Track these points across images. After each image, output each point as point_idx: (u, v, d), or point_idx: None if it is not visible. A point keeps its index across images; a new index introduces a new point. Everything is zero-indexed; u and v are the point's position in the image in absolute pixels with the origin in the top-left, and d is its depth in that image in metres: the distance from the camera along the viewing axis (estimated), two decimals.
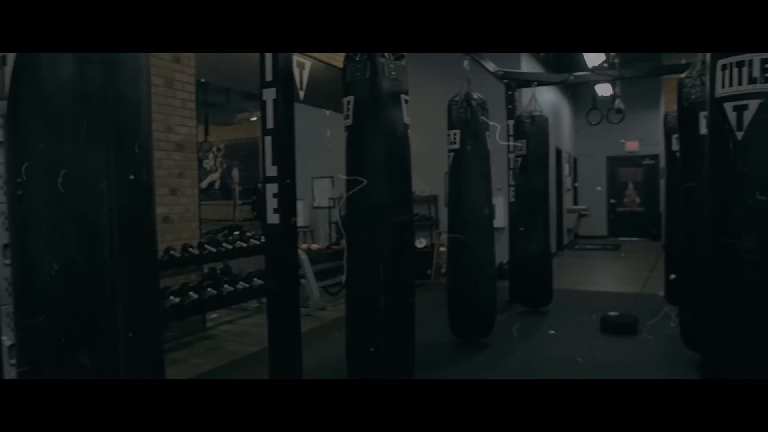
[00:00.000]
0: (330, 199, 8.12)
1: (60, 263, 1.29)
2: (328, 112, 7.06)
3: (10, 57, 1.28)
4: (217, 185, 11.07)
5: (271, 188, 2.15)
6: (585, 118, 7.76)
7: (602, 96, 9.24)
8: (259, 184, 10.75)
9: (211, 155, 10.94)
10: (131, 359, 1.34)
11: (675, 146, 4.71)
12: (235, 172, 11.19)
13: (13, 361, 3.03)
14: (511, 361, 4.18)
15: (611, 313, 4.98)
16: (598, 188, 13.14)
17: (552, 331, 4.95)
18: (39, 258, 1.30)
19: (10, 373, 3.01)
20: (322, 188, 8.47)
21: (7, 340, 3.02)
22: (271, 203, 2.13)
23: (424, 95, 6.20)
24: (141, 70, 1.44)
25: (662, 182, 9.64)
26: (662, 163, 8.90)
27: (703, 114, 3.08)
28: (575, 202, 12.98)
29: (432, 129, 5.80)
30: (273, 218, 2.13)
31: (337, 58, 6.38)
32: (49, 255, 1.30)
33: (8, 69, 1.28)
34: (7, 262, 3.02)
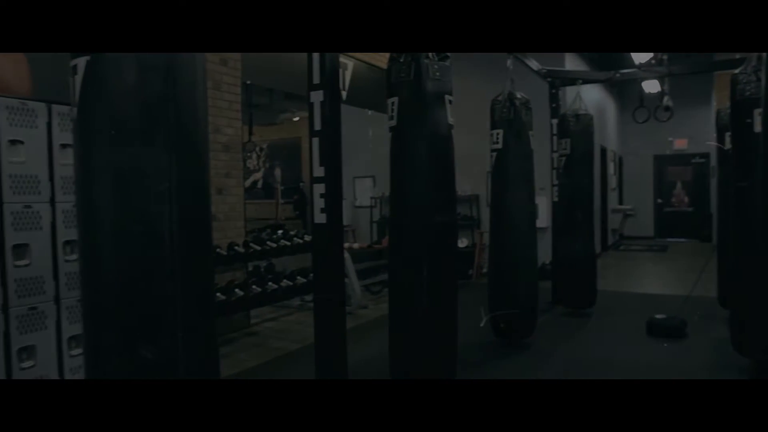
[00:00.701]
0: (371, 198, 8.18)
1: (124, 260, 1.36)
2: (369, 112, 7.12)
3: (81, 66, 1.36)
4: (260, 184, 11.30)
5: (319, 188, 2.20)
6: (631, 116, 7.58)
7: (649, 93, 9.00)
8: (301, 183, 10.94)
9: (254, 155, 11.16)
10: (189, 353, 1.40)
11: (727, 144, 4.57)
12: (278, 172, 11.39)
13: (73, 353, 3.19)
14: (553, 362, 4.14)
15: (658, 316, 4.86)
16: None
17: (594, 333, 4.87)
18: (105, 256, 1.38)
19: (71, 363, 3.17)
20: (363, 187, 8.53)
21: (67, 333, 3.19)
22: (318, 203, 2.18)
23: (465, 93, 6.18)
24: (198, 76, 1.51)
25: (713, 181, 9.33)
26: (713, 161, 8.61)
27: (757, 111, 2.98)
28: (620, 202, 12.68)
29: (473, 128, 5.78)
30: (320, 218, 2.18)
31: (379, 58, 6.43)
32: (114, 252, 1.37)
33: (78, 78, 1.36)
34: (67, 258, 3.18)
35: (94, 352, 1.45)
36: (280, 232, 5.40)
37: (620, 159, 12.78)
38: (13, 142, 2.94)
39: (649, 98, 8.22)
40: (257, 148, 11.28)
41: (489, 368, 3.94)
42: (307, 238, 5.27)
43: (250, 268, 5.19)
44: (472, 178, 7.86)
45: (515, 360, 4.17)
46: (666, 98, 6.71)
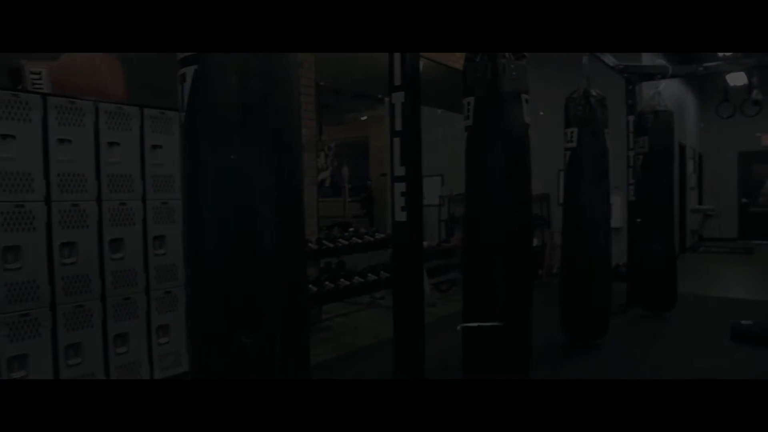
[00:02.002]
0: (440, 197, 8.19)
1: (227, 255, 1.46)
2: (439, 111, 7.13)
3: (189, 74, 1.46)
4: (327, 183, 11.54)
5: (400, 187, 2.25)
6: (713, 111, 7.22)
7: (734, 86, 8.53)
8: (369, 182, 11.08)
9: (323, 154, 11.40)
10: (284, 341, 1.49)
11: None
12: (345, 170, 11.59)
13: (161, 341, 3.39)
14: (626, 364, 4.03)
15: (744, 321, 4.62)
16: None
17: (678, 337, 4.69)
18: (209, 250, 1.48)
19: (159, 351, 3.38)
20: (432, 186, 8.55)
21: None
22: (399, 201, 2.24)
23: (536, 90, 6.08)
24: (293, 80, 1.59)
25: None
26: None
27: None
28: (700, 202, 12.08)
29: (541, 125, 5.69)
30: (401, 216, 2.23)
31: (449, 58, 6.43)
32: (217, 247, 1.47)
33: (187, 85, 1.47)
34: (157, 252, 3.38)
35: (198, 341, 1.56)
36: (351, 229, 5.51)
37: (700, 156, 12.17)
38: (111, 144, 3.16)
39: (733, 92, 7.81)
40: (326, 147, 11.51)
41: (559, 368, 3.88)
42: (378, 236, 5.35)
43: (322, 265, 5.33)
44: (542, 176, 7.71)
45: (585, 361, 4.09)
46: (755, 92, 6.35)
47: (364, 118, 11.29)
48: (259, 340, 1.44)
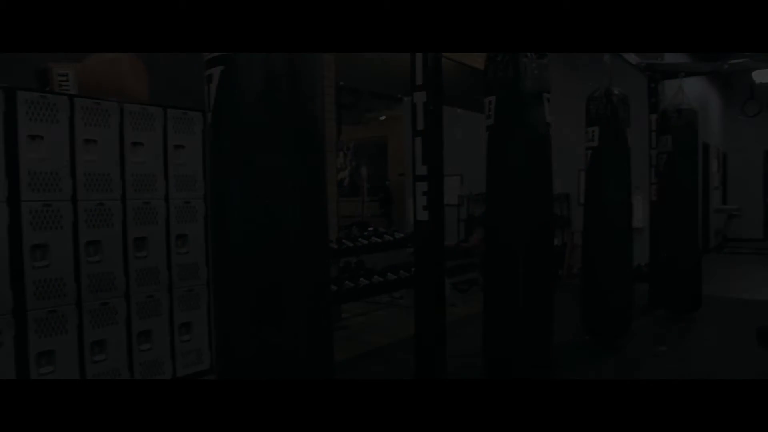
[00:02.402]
0: (459, 196, 8.16)
1: (253, 255, 1.48)
2: (458, 111, 7.10)
3: (215, 75, 1.48)
4: (346, 182, 11.56)
5: (421, 186, 2.25)
6: (738, 109, 7.09)
7: (761, 83, 8.36)
8: (387, 182, 11.08)
9: (341, 154, 11.43)
10: (310, 337, 1.50)
11: None
12: (364, 170, 11.60)
13: (183, 338, 3.43)
14: (648, 364, 3.98)
15: None
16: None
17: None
18: (236, 250, 1.50)
19: (181, 349, 3.42)
20: (451, 186, 8.53)
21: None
22: (421, 200, 2.24)
23: (556, 88, 6.03)
24: (317, 81, 1.60)
25: None
26: None
27: None
28: (724, 201, 11.87)
29: (560, 124, 5.63)
30: (422, 215, 2.24)
31: (469, 57, 6.40)
32: (244, 247, 1.49)
33: (213, 86, 1.49)
34: (179, 251, 3.42)
35: (223, 338, 1.58)
36: (370, 229, 5.52)
37: (724, 155, 11.96)
38: (134, 144, 3.21)
39: (760, 89, 7.66)
40: (344, 147, 11.54)
41: (581, 368, 3.84)
42: (397, 235, 5.35)
43: (341, 264, 5.35)
44: (561, 176, 7.65)
45: (608, 361, 4.05)
46: None
47: (383, 117, 11.29)
48: (284, 338, 1.45)
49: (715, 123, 11.08)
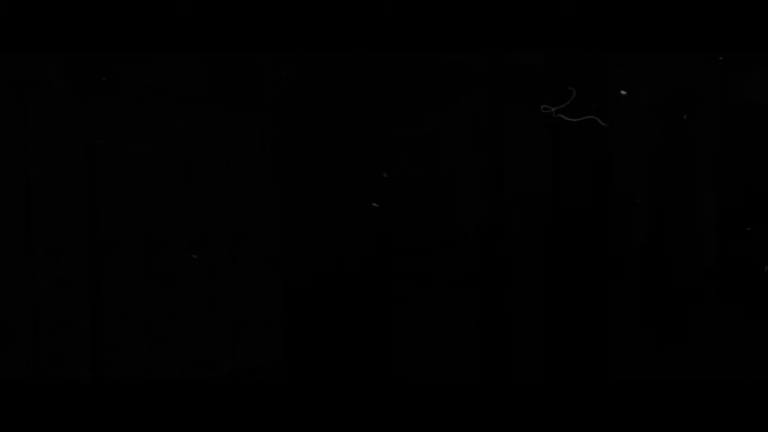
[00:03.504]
0: None
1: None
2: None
3: (283, 75, 1.51)
4: None
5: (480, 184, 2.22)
6: None
7: None
8: None
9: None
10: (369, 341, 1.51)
11: None
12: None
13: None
14: (715, 365, 3.80)
15: None
16: None
17: None
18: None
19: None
20: None
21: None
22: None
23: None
24: (377, 80, 1.60)
25: None
26: None
27: None
28: None
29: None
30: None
31: (526, 54, 6.26)
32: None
33: (281, 85, 1.51)
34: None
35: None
36: None
37: None
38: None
39: None
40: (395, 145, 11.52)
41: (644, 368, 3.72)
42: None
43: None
44: (624, 173, 7.38)
45: (671, 362, 3.92)
46: None
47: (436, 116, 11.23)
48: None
49: None
